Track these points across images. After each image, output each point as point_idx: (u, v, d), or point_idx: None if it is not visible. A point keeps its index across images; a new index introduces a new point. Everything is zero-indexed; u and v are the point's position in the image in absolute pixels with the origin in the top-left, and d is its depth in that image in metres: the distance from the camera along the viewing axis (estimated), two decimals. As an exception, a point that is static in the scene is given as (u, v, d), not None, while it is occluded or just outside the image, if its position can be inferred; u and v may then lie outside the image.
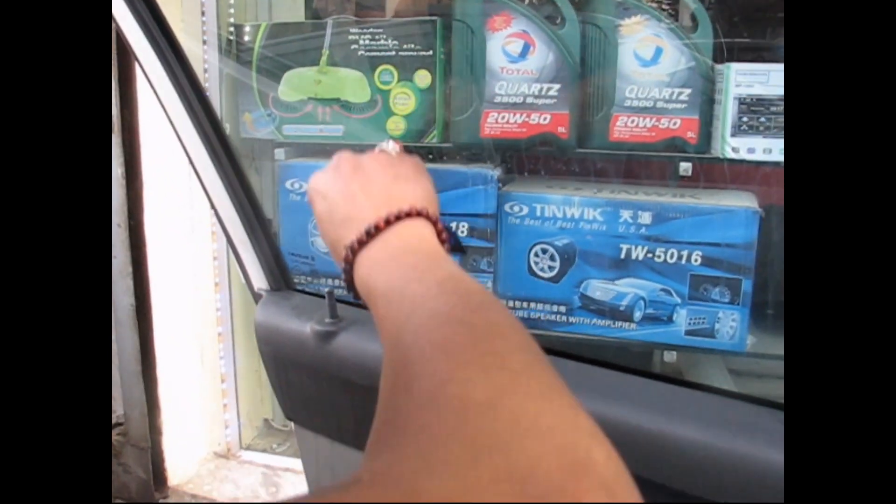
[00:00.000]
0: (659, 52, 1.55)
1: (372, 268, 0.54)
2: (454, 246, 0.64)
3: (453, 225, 1.61)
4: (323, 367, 0.90)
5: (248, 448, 2.08)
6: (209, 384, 1.98)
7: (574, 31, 1.58)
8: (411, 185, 0.60)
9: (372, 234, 0.55)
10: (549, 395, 0.35)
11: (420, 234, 0.56)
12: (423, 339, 0.41)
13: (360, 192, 0.59)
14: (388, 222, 0.55)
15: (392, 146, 0.69)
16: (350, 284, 0.58)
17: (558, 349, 0.77)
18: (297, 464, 1.97)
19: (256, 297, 1.02)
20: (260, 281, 1.03)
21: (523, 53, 1.57)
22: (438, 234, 0.57)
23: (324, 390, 0.93)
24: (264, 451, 2.07)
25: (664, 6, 1.69)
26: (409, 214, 0.56)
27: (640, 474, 0.62)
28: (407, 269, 0.52)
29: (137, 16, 0.91)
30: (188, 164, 1.00)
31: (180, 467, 1.94)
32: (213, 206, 1.01)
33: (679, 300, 1.52)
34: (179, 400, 1.91)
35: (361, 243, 0.55)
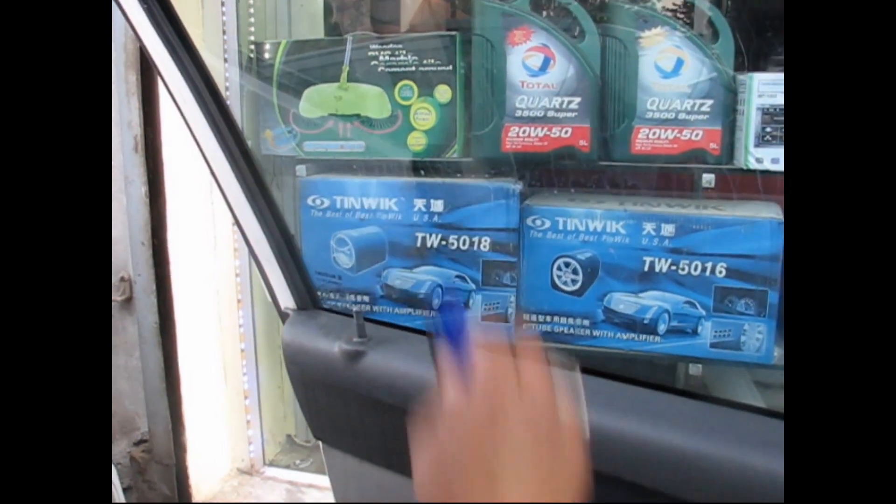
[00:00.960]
0: (680, 63, 1.54)
1: None
2: None
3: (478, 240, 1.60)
4: (351, 387, 0.90)
5: (271, 464, 2.08)
6: (233, 401, 1.98)
7: (594, 43, 1.58)
8: (568, 488, 0.44)
9: None
10: None
11: None
12: None
13: (498, 464, 0.43)
14: None
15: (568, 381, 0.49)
16: None
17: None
18: (321, 480, 1.96)
19: (283, 316, 1.02)
20: (287, 300, 1.03)
21: (543, 67, 1.57)
22: None
23: (352, 410, 0.93)
24: (287, 467, 2.07)
25: (679, 15, 1.68)
26: None
27: (642, 483, 0.62)
28: None
29: (161, 33, 0.92)
30: (212, 181, 1.00)
31: (204, 484, 1.94)
32: (238, 224, 1.01)
33: (704, 313, 1.50)
34: (203, 417, 1.92)
35: None
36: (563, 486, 0.43)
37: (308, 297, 1.04)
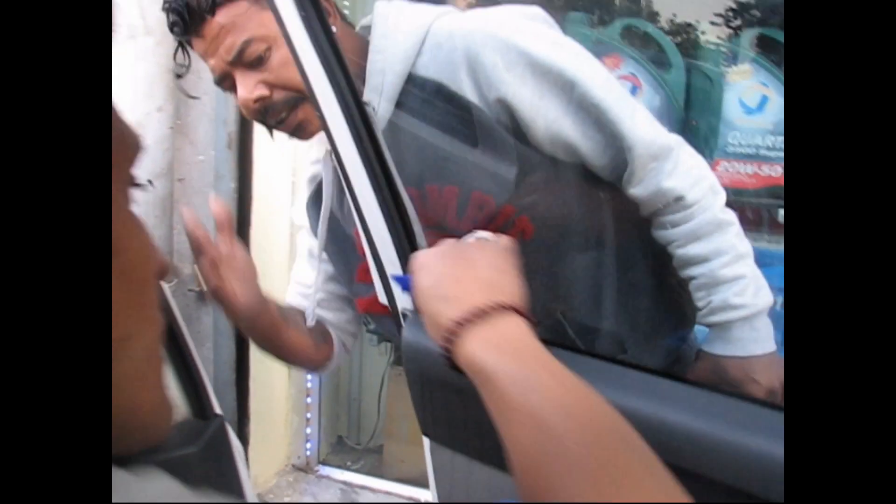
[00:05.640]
0: (764, 100, 1.58)
1: (484, 347, 0.58)
2: None
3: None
4: (471, 387, 0.93)
5: (323, 463, 2.12)
6: (295, 398, 2.03)
7: (680, 76, 1.62)
8: (509, 279, 0.66)
9: (479, 315, 0.59)
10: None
11: (523, 328, 0.60)
12: (595, 448, 0.48)
13: (466, 276, 0.65)
14: (494, 309, 0.60)
15: (489, 235, 0.75)
16: (448, 355, 0.62)
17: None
18: (375, 482, 2.00)
19: (402, 316, 1.06)
20: (405, 301, 1.06)
21: (632, 95, 1.62)
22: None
23: (470, 410, 0.96)
24: (339, 467, 2.11)
25: (770, 54, 1.72)
26: (512, 308, 0.61)
27: (672, 462, 0.64)
28: (529, 359, 0.56)
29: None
30: (342, 178, 1.02)
31: (262, 476, 1.98)
32: (362, 222, 1.04)
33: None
34: (266, 411, 1.96)
35: (468, 321, 0.59)
36: (505, 269, 0.67)
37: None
